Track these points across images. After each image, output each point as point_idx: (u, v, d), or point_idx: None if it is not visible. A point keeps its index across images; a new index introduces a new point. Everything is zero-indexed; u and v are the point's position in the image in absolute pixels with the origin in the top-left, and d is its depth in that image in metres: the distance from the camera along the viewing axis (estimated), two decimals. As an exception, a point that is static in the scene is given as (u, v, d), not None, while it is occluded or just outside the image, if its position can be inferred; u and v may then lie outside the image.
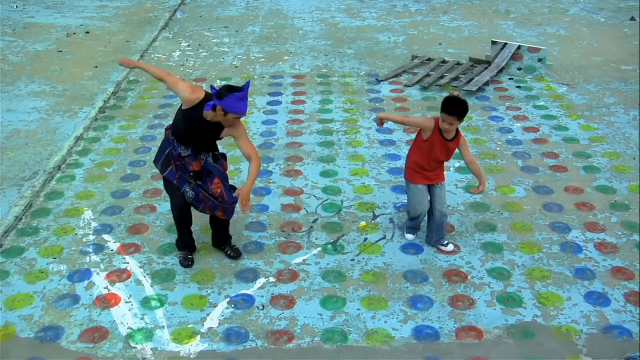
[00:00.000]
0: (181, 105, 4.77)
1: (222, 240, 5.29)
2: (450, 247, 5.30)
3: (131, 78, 9.21)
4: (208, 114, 4.59)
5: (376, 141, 7.23)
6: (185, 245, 5.21)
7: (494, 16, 12.37)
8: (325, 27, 11.74)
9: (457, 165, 6.58)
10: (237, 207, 4.93)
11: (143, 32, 11.34)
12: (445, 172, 5.30)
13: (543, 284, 4.94)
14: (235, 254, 5.24)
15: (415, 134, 5.14)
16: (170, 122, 4.76)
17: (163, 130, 7.42)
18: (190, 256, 5.21)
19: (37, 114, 7.94)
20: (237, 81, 9.05)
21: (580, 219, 5.75)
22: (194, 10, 13.04)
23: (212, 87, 4.55)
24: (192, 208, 5.01)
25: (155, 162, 5.03)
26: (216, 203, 4.88)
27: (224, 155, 5.02)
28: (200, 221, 5.50)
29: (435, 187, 5.16)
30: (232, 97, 4.41)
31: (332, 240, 5.50)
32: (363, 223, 5.72)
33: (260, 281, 5.00)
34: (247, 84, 4.54)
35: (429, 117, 5.12)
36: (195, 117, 4.65)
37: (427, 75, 9.07)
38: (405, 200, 6.04)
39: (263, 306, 4.74)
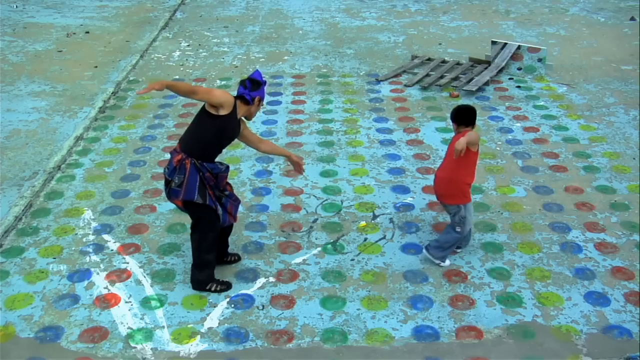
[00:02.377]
0: (216, 115, 4.49)
1: (225, 249, 5.15)
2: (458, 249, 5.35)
3: (131, 78, 9.21)
4: (243, 109, 4.63)
5: (376, 141, 7.23)
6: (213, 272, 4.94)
7: (494, 16, 12.37)
8: (325, 27, 11.74)
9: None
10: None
11: (143, 32, 11.34)
12: None
13: (543, 284, 4.93)
14: (238, 258, 5.21)
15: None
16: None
17: (163, 131, 7.49)
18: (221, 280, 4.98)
19: (37, 114, 7.94)
20: (236, 81, 9.05)
21: (580, 219, 5.75)
22: (194, 10, 13.04)
23: (246, 80, 4.65)
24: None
25: (189, 197, 4.50)
26: (236, 205, 4.90)
27: None
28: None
29: None
30: (263, 85, 4.66)
31: (332, 240, 5.49)
32: (363, 223, 5.72)
33: (260, 281, 5.00)
34: (258, 71, 4.74)
35: (472, 130, 4.93)
36: (235, 119, 4.61)
37: (427, 75, 9.07)
38: (407, 201, 6.05)
39: (263, 306, 4.73)
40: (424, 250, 5.19)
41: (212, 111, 4.50)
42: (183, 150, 4.56)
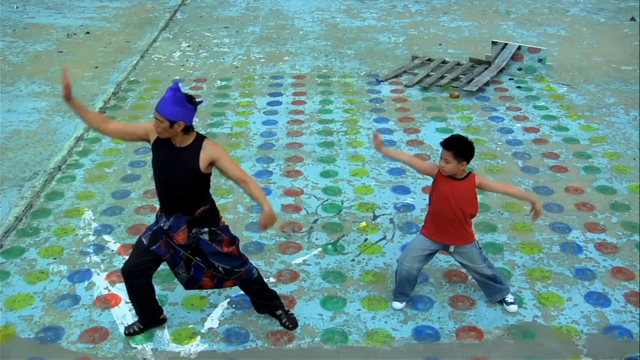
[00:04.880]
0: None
1: (266, 307, 4.53)
2: None
3: (131, 79, 9.21)
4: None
5: (376, 142, 7.23)
6: (148, 318, 4.45)
7: (494, 16, 12.38)
8: (325, 28, 11.74)
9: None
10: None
11: (143, 33, 11.35)
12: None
13: (543, 284, 4.93)
14: (292, 324, 4.51)
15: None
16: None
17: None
18: (141, 327, 4.46)
19: (37, 115, 7.94)
20: (237, 82, 9.06)
21: (581, 219, 5.75)
22: (194, 10, 13.04)
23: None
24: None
25: (142, 235, 4.20)
26: (223, 277, 4.24)
27: (225, 229, 4.24)
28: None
29: None
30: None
31: (332, 241, 5.49)
32: (363, 223, 5.72)
33: (261, 282, 4.99)
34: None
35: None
36: (162, 144, 3.91)
37: (428, 75, 9.07)
38: (407, 201, 6.06)
39: (263, 307, 4.73)
40: None
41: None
42: None
